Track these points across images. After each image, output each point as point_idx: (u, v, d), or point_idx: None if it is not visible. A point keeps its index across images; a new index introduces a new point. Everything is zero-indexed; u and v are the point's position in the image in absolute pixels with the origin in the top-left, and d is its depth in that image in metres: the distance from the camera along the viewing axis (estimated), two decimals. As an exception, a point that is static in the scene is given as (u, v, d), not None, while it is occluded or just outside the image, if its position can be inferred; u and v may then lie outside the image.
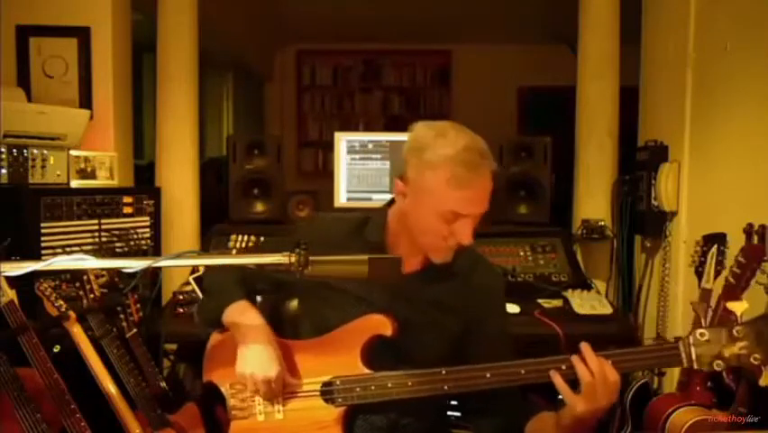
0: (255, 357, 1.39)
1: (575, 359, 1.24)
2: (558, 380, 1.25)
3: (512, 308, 2.37)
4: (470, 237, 1.33)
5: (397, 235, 1.44)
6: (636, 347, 1.29)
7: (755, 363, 1.15)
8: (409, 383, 1.33)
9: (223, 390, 1.47)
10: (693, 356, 1.18)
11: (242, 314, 1.44)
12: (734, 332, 1.17)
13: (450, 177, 1.29)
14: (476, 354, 1.43)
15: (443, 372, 1.31)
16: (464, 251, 1.44)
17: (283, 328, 1.52)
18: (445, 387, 1.31)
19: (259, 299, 1.59)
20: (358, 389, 1.36)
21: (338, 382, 1.38)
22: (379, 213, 1.49)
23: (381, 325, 1.38)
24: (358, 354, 1.38)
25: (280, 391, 1.40)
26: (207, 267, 1.66)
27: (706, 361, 1.18)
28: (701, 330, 1.18)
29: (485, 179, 1.32)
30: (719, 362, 1.17)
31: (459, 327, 1.47)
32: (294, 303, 1.61)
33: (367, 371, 1.38)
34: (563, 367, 1.25)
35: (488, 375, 1.28)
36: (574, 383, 1.25)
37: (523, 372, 1.27)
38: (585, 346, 1.25)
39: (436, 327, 1.45)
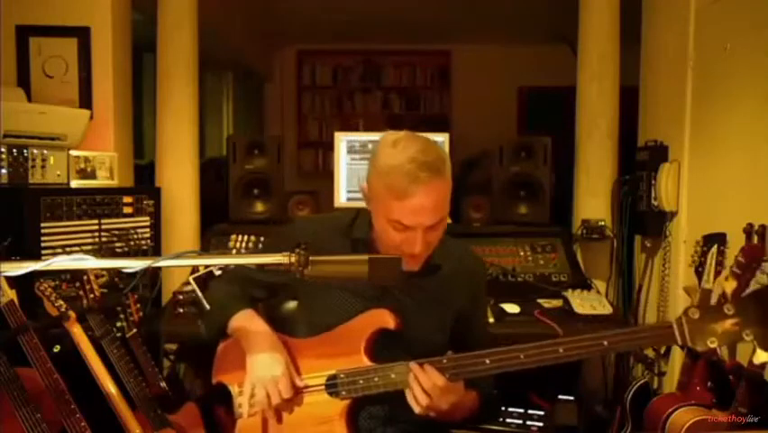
0: (262, 364, 1.41)
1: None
2: None
3: (512, 308, 2.37)
4: (418, 248, 1.33)
5: None
6: (631, 327, 1.30)
7: (747, 339, 1.16)
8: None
9: (231, 389, 1.49)
10: (687, 335, 1.19)
11: (247, 323, 1.49)
12: (725, 309, 1.18)
13: (390, 186, 1.31)
14: (473, 334, 1.53)
15: (444, 360, 1.32)
16: (449, 242, 1.50)
17: (284, 329, 1.54)
18: (447, 375, 1.31)
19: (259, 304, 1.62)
20: (361, 381, 1.38)
21: (342, 376, 1.40)
22: (368, 210, 1.50)
23: (385, 318, 1.40)
24: (362, 348, 1.40)
25: (288, 391, 1.39)
26: (211, 279, 1.66)
27: (700, 339, 1.18)
28: (693, 309, 1.19)
29: (428, 190, 1.30)
30: (713, 339, 1.17)
31: (452, 315, 1.51)
32: (293, 305, 1.65)
33: (371, 364, 1.39)
34: (561, 350, 1.24)
35: (487, 361, 1.29)
36: (570, 365, 1.27)
37: (522, 356, 1.26)
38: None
39: (433, 319, 1.48)
